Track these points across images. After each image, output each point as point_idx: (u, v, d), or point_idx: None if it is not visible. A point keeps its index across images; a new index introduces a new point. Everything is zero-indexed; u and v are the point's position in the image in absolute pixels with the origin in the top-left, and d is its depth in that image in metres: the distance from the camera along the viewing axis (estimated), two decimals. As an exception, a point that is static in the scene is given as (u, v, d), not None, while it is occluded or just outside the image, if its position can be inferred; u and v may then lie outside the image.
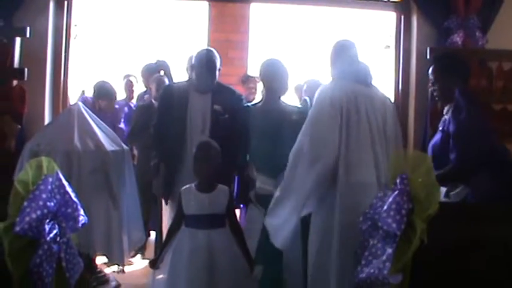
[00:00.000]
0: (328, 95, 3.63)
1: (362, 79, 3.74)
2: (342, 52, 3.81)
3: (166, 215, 4.59)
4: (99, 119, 4.61)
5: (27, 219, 2.97)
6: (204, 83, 4.28)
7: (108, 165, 4.44)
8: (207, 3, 6.01)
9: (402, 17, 5.41)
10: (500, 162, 3.57)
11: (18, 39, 4.82)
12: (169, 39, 6.91)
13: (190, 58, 4.85)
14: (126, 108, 6.39)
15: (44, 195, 3.06)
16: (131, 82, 6.54)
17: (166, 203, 4.49)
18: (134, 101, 6.58)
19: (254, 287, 3.69)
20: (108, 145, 4.48)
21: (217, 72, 4.30)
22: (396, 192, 3.07)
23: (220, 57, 4.33)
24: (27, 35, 4.78)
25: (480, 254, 3.09)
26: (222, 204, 3.66)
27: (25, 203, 2.99)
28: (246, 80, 6.38)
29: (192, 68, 4.41)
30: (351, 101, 3.61)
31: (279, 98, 4.31)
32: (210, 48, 4.42)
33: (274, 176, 4.13)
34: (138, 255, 5.69)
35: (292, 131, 4.03)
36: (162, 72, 5.57)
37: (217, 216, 3.65)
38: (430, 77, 3.84)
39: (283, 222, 3.66)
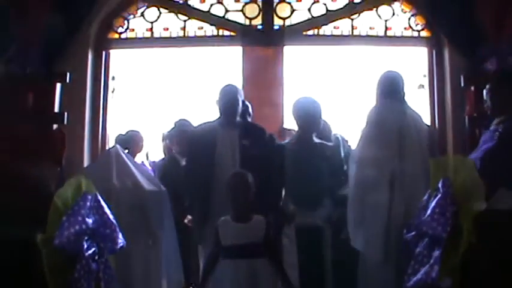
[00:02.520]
0: None
1: None
2: None
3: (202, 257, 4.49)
4: (136, 162, 4.67)
5: (66, 233, 2.98)
6: (228, 117, 4.29)
7: (146, 203, 4.44)
8: (241, 62, 5.93)
9: (434, 51, 5.45)
10: None
11: (58, 85, 4.98)
12: (205, 94, 6.97)
13: None
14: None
15: (82, 211, 3.08)
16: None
17: (199, 243, 4.41)
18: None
19: None
20: (146, 185, 4.50)
21: (240, 105, 4.32)
22: (439, 196, 3.01)
23: (241, 93, 4.36)
24: (67, 80, 4.93)
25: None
26: (260, 234, 3.60)
27: (64, 218, 3.02)
28: (283, 133, 6.34)
29: (217, 105, 4.44)
30: None
31: (312, 134, 4.31)
32: (231, 83, 4.46)
33: (313, 209, 4.10)
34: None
35: (326, 166, 4.11)
36: None
37: (256, 245, 3.59)
38: (486, 95, 3.81)
39: None
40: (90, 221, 3.10)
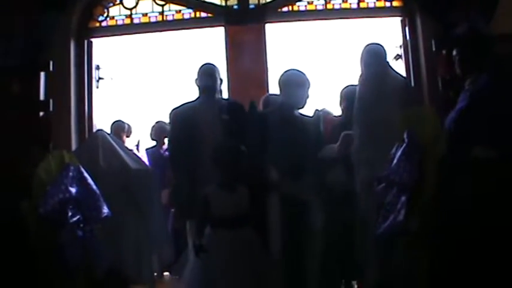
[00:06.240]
0: None
1: None
2: None
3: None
4: (122, 144, 4.78)
5: (50, 201, 3.12)
6: (208, 95, 4.39)
7: (133, 182, 4.55)
8: (221, 44, 6.01)
9: (406, 19, 5.59)
10: None
11: (42, 74, 5.10)
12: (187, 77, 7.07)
13: None
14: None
15: (65, 181, 3.22)
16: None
17: (187, 220, 4.50)
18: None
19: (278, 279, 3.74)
20: (133, 164, 4.60)
21: (219, 83, 4.43)
22: (404, 145, 3.14)
23: (219, 71, 4.43)
24: (50, 69, 5.06)
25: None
26: (244, 204, 3.70)
27: (48, 187, 3.16)
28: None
29: (196, 84, 4.52)
30: None
31: (293, 107, 4.35)
32: (209, 62, 4.54)
33: (297, 178, 4.19)
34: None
35: (306, 138, 4.16)
36: None
37: (241, 215, 3.68)
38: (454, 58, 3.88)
39: None
40: (73, 190, 3.24)
